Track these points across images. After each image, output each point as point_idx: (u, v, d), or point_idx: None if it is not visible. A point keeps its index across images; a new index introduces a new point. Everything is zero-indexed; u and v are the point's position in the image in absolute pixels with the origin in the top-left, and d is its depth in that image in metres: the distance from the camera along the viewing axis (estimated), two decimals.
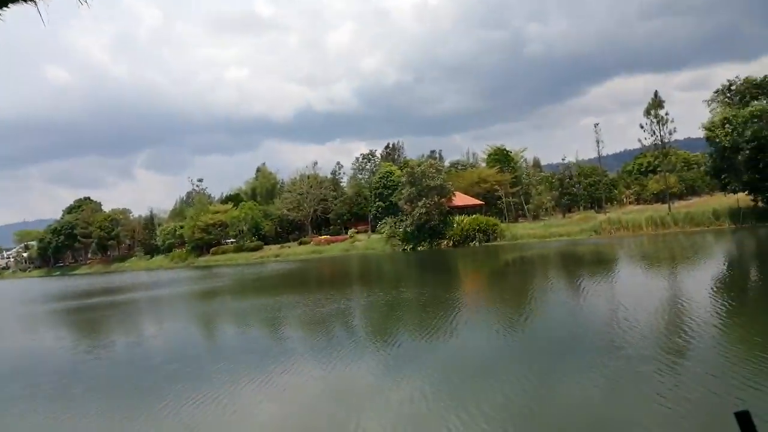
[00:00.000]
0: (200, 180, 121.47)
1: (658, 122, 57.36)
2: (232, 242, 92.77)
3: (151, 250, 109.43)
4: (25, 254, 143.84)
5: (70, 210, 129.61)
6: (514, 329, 16.31)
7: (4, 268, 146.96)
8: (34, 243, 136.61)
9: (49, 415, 11.96)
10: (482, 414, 9.21)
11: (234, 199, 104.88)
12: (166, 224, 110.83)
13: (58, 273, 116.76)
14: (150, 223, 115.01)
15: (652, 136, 58.14)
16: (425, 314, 20.14)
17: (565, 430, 8.37)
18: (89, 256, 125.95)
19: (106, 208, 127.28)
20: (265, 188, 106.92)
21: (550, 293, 22.77)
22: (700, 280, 21.94)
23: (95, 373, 15.95)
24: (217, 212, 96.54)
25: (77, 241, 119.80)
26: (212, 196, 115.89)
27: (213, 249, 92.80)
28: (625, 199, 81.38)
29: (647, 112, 57.81)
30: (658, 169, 70.65)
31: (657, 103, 57.54)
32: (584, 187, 79.71)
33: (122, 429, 10.51)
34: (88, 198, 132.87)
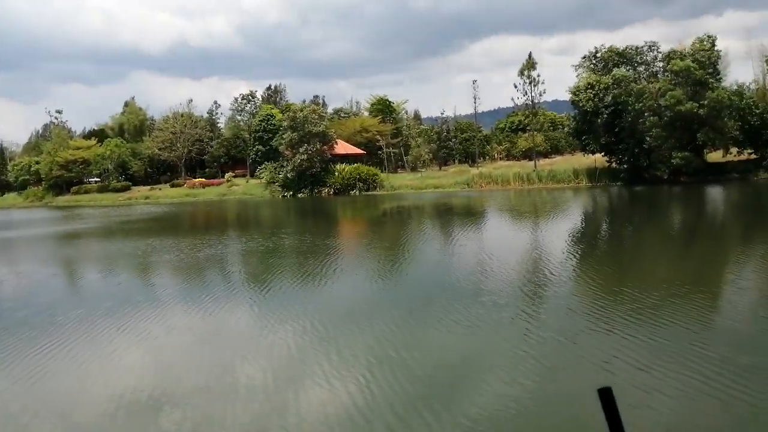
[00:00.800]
0: (59, 111, 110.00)
1: (530, 83, 60.59)
2: (96, 182, 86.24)
3: (2, 187, 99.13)
4: None
5: None
6: (386, 276, 17.03)
7: None
8: None
9: None
10: (349, 357, 9.60)
11: (98, 134, 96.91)
12: (19, 159, 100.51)
13: None
14: (0, 156, 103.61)
15: (524, 96, 61.43)
16: (302, 260, 20.36)
17: (426, 372, 9.00)
18: None
19: None
20: (133, 125, 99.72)
21: (422, 242, 23.90)
22: (556, 233, 24.08)
23: None
24: (79, 148, 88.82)
25: None
26: (73, 130, 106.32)
27: (74, 188, 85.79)
28: (496, 155, 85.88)
29: (521, 73, 60.79)
30: (528, 127, 75.15)
31: (530, 64, 60.61)
32: (460, 142, 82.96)
33: None
34: None
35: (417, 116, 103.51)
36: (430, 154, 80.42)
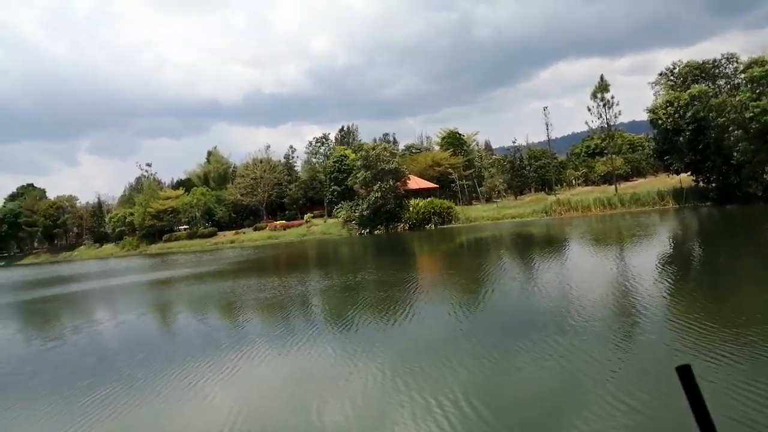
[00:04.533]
0: (149, 165, 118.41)
1: (604, 105, 59.24)
2: (185, 229, 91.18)
3: (101, 238, 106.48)
4: None
5: (12, 198, 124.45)
6: (469, 310, 16.92)
7: None
8: None
9: (7, 410, 11.86)
10: (439, 395, 9.54)
11: (185, 184, 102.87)
12: (115, 211, 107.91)
13: (2, 263, 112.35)
14: (98, 210, 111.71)
15: (598, 118, 60.09)
16: (382, 296, 20.61)
17: (520, 407, 8.91)
18: (35, 245, 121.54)
19: (51, 195, 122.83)
20: (217, 173, 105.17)
21: (505, 273, 23.59)
22: (647, 258, 23.11)
23: (55, 364, 15.76)
24: (168, 198, 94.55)
25: (21, 230, 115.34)
26: (162, 181, 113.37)
27: (165, 236, 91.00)
28: (573, 181, 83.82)
29: (594, 96, 59.59)
30: (605, 151, 73.04)
31: (603, 86, 59.35)
32: (534, 170, 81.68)
33: (85, 417, 10.54)
34: (32, 185, 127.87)
35: (488, 147, 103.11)
36: (505, 184, 79.62)
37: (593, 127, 62.33)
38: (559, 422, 8.13)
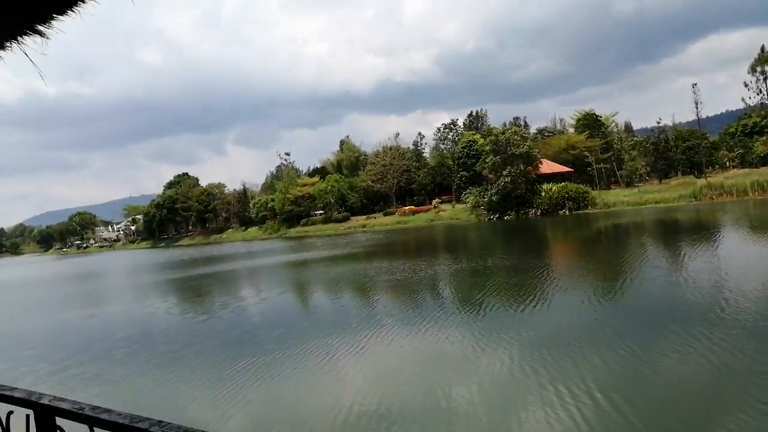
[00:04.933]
0: (287, 154, 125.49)
1: (765, 79, 53.11)
2: (320, 213, 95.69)
3: (246, 222, 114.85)
4: (132, 227, 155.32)
5: (170, 185, 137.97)
6: (608, 299, 16.16)
7: (115, 240, 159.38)
8: (140, 217, 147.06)
9: (168, 375, 13.29)
10: (569, 384, 9.28)
11: (320, 172, 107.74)
12: (258, 197, 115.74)
13: (163, 245, 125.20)
14: (243, 196, 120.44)
15: (758, 94, 54.07)
16: (513, 282, 20.29)
17: (658, 403, 8.44)
18: (190, 228, 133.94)
19: (203, 183, 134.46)
20: (349, 160, 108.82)
21: (646, 262, 22.16)
22: None
23: (206, 335, 17.40)
24: (305, 185, 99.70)
25: (178, 215, 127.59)
26: (300, 169, 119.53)
27: (303, 220, 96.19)
28: (727, 163, 76.18)
29: (753, 69, 53.68)
30: (765, 129, 65.46)
31: (764, 58, 53.20)
32: (682, 152, 75.33)
33: (231, 385, 11.56)
34: (186, 174, 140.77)
35: (628, 128, 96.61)
36: (647, 167, 74.30)
37: (751, 104, 56.23)
38: (701, 422, 7.59)
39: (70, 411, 2.49)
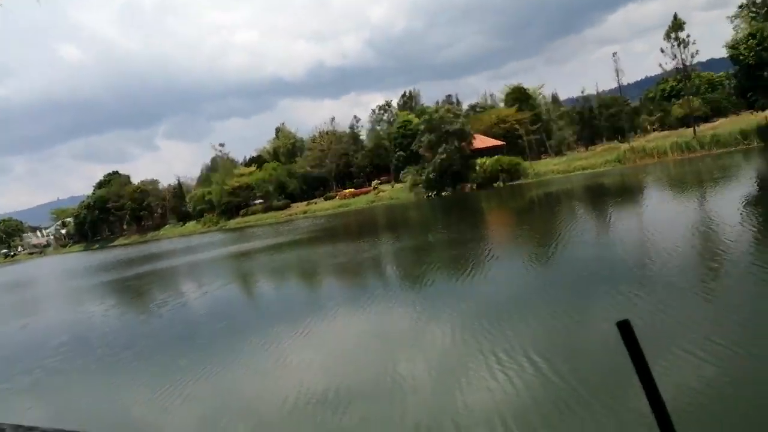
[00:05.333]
0: (222, 145, 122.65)
1: (679, 45, 55.77)
2: (259, 203, 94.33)
3: (183, 217, 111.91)
4: (63, 231, 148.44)
5: (100, 185, 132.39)
6: (541, 265, 16.88)
7: (45, 246, 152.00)
8: (70, 219, 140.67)
9: (107, 380, 13.02)
10: (511, 351, 9.63)
11: (257, 161, 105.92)
12: (194, 191, 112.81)
13: (97, 246, 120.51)
14: (179, 190, 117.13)
15: (673, 59, 56.67)
16: (453, 255, 20.85)
17: (593, 363, 8.90)
18: (125, 227, 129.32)
19: (135, 180, 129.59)
20: (286, 148, 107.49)
21: (576, 227, 23.19)
22: (729, 202, 21.88)
23: (146, 335, 17.10)
24: (242, 175, 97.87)
25: (111, 215, 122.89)
26: (236, 159, 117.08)
27: (242, 211, 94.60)
28: (648, 127, 79.91)
29: (667, 36, 56.15)
30: (681, 93, 69.07)
31: (677, 25, 55.78)
32: (606, 119, 78.48)
33: (174, 383, 11.49)
34: (117, 172, 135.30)
35: (555, 99, 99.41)
36: (574, 136, 77.06)
37: (668, 69, 58.93)
38: (627, 379, 8.14)
39: None
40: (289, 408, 8.93)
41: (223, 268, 32.70)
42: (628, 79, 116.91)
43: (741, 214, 18.40)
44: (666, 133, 68.28)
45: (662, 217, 21.50)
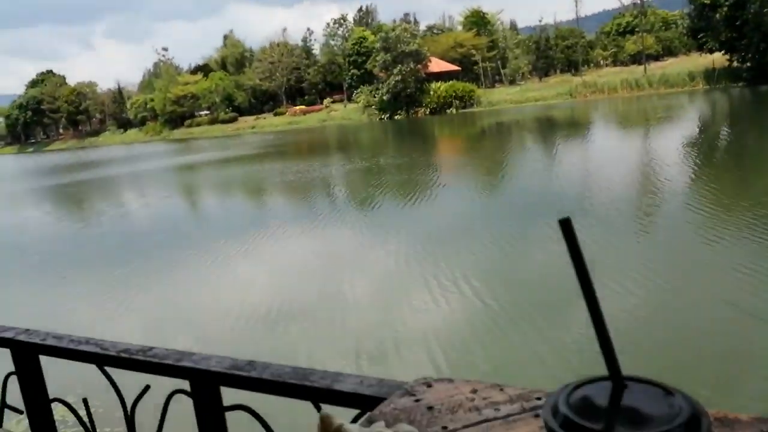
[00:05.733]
0: (165, 49, 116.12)
1: None
2: (205, 114, 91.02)
3: (124, 124, 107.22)
4: None
5: (33, 84, 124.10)
6: (485, 193, 17.20)
7: None
8: (1, 119, 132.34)
9: (43, 288, 12.69)
10: (452, 274, 9.92)
11: (203, 69, 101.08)
12: (135, 97, 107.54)
13: (31, 150, 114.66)
14: (119, 96, 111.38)
15: None
16: (402, 180, 20.91)
17: (531, 288, 9.29)
18: (60, 131, 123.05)
19: (71, 81, 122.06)
20: (234, 57, 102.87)
21: (524, 157, 23.58)
22: (670, 142, 22.70)
23: (83, 244, 16.63)
24: (187, 83, 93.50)
25: (46, 117, 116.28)
26: (180, 66, 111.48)
27: (187, 122, 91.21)
28: (602, 62, 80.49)
29: None
30: (636, 29, 69.38)
31: None
32: (561, 50, 78.39)
33: (113, 293, 11.30)
34: (51, 71, 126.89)
35: (514, 27, 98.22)
36: (529, 66, 76.93)
37: (625, 3, 58.85)
38: (560, 305, 8.49)
39: None
40: (231, 322, 8.97)
41: (166, 180, 31.80)
42: (586, 10, 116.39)
43: (679, 154, 19.12)
44: (618, 69, 69.04)
45: (605, 153, 22.07)
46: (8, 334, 2.09)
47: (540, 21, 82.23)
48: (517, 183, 18.08)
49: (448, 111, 60.68)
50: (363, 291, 9.80)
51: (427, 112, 62.07)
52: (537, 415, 0.84)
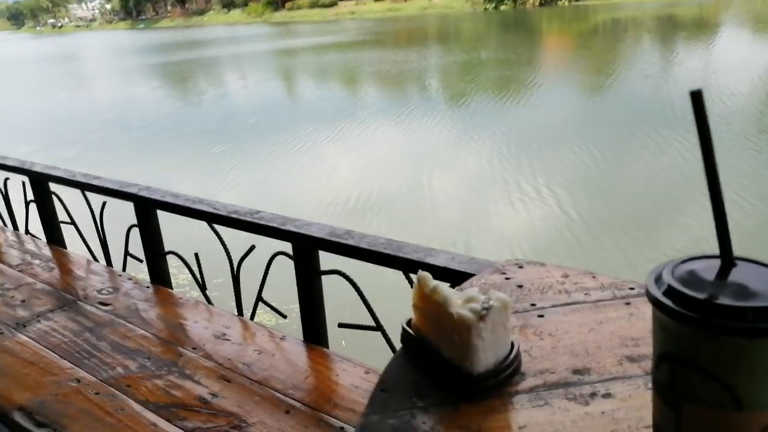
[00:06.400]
0: None
1: None
2: None
3: (228, 4, 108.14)
4: (108, 5, 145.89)
5: None
6: (591, 96, 16.15)
7: (91, 20, 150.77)
8: None
9: (146, 157, 13.54)
10: (536, 180, 9.49)
11: None
12: None
13: (142, 26, 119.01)
14: None
15: None
16: (504, 76, 20.05)
17: (621, 202, 8.83)
18: (169, 8, 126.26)
19: None
20: None
21: (638, 59, 21.75)
22: None
23: (181, 122, 17.40)
24: None
25: None
26: None
27: (288, 4, 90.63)
28: None
29: None
30: None
31: None
32: None
33: (209, 170, 11.87)
34: None
35: None
36: None
37: None
38: (652, 220, 8.08)
39: (62, 178, 2.67)
40: (324, 205, 9.23)
41: (266, 63, 32.23)
42: None
43: None
44: None
45: (732, 63, 19.90)
46: (132, 190, 2.30)
47: None
48: (625, 87, 16.82)
49: (560, 2, 56.32)
50: (447, 187, 9.75)
51: (537, 3, 57.97)
52: (628, 303, 0.84)
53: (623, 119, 12.99)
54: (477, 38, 36.88)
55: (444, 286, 0.71)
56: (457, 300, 0.69)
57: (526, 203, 8.67)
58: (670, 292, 0.44)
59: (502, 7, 59.64)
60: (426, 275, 0.71)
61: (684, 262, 0.47)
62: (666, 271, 0.46)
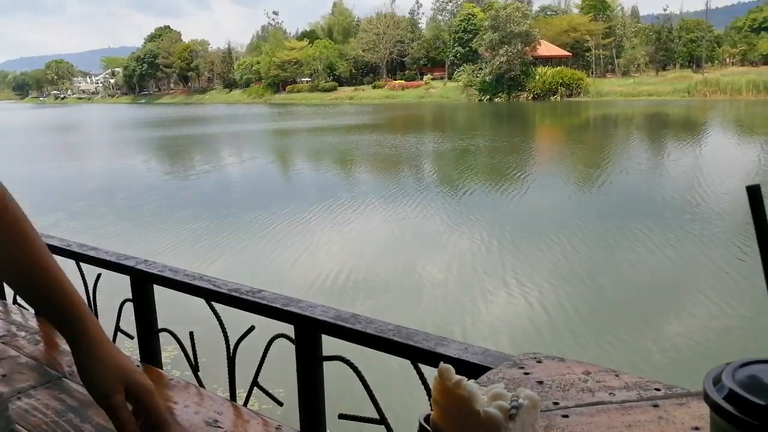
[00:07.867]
0: (276, 13, 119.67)
1: None
2: (306, 81, 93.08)
3: (229, 85, 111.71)
4: (111, 80, 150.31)
5: (151, 38, 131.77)
6: (584, 187, 16.44)
7: (93, 93, 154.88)
8: (119, 69, 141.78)
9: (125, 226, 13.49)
10: (533, 269, 9.51)
11: (309, 36, 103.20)
12: (243, 59, 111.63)
13: (143, 101, 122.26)
14: (228, 56, 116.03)
15: None
16: (496, 164, 20.48)
17: (615, 297, 8.82)
18: (171, 86, 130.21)
19: (185, 38, 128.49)
20: (341, 26, 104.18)
21: (629, 155, 22.36)
22: None
23: (170, 195, 17.54)
24: (293, 49, 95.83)
25: (160, 71, 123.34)
26: (288, 31, 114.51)
27: (288, 87, 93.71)
28: (728, 59, 74.57)
29: None
30: None
31: None
32: (684, 44, 73.23)
33: (187, 245, 11.80)
34: (168, 27, 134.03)
35: (635, 13, 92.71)
36: (647, 57, 72.50)
37: None
38: (651, 309, 8.05)
39: (56, 246, 2.59)
40: (313, 285, 9.12)
41: (264, 142, 32.90)
42: (718, 2, 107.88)
43: None
44: (745, 68, 63.73)
45: (720, 160, 20.51)
46: (129, 263, 2.22)
47: (665, 9, 77.01)
48: (618, 181, 17.18)
49: (552, 98, 58.58)
50: (440, 273, 9.62)
51: (530, 97, 60.24)
52: (656, 405, 0.80)
53: (614, 213, 13.17)
54: (472, 127, 38.03)
55: (469, 382, 0.67)
56: (483, 396, 0.66)
57: (523, 291, 8.60)
58: (732, 397, 0.42)
59: (497, 99, 61.96)
60: (448, 368, 0.68)
61: (743, 366, 0.45)
62: (726, 375, 0.44)
